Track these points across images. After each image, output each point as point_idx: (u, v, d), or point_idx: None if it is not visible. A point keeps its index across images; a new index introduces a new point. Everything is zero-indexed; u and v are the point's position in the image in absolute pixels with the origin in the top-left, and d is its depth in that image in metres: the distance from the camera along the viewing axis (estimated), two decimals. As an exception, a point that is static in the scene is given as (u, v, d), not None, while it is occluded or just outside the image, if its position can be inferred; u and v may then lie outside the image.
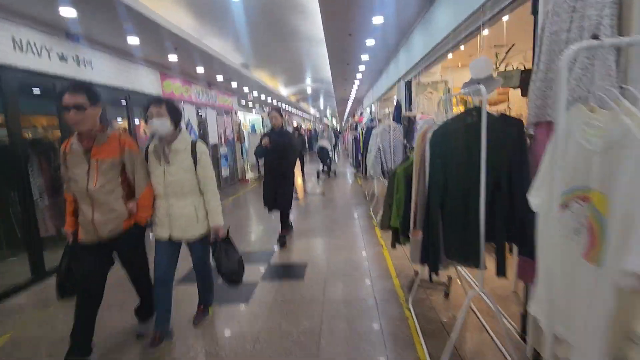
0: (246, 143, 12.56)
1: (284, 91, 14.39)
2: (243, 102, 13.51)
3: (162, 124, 2.41)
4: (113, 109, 5.91)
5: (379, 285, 3.46)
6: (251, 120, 15.79)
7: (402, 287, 3.40)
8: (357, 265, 3.99)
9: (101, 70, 5.11)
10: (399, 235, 3.30)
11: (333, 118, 42.25)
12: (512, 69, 6.04)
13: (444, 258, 2.13)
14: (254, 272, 3.97)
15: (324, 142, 10.88)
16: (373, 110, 11.51)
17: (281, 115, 4.62)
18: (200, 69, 7.34)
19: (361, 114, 20.20)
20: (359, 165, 12.12)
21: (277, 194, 4.63)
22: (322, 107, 28.55)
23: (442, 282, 3.33)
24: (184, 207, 2.49)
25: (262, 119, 16.44)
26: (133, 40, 4.97)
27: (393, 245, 3.35)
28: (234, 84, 9.74)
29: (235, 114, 11.75)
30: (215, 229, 2.58)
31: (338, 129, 22.23)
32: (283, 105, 17.72)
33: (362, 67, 8.36)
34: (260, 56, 8.82)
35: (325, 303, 3.16)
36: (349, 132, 23.88)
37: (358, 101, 19.08)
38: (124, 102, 5.79)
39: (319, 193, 8.70)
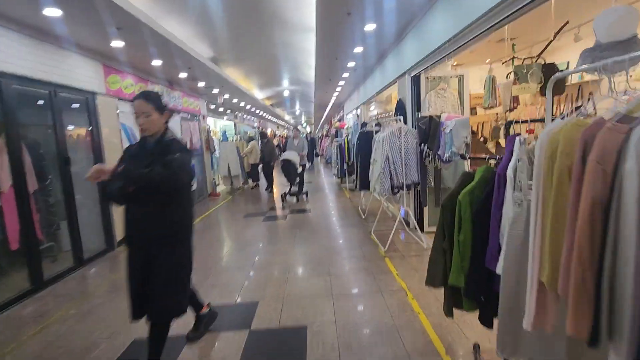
0: (217, 152, 11.13)
1: (258, 94, 13.07)
2: (213, 106, 12.08)
3: None
4: (29, 109, 4.43)
5: (426, 372, 2.25)
6: (222, 126, 14.35)
7: (466, 376, 2.21)
8: (380, 328, 2.76)
9: (8, 55, 3.66)
10: (461, 297, 2.13)
11: (308, 125, 41.17)
12: (530, 62, 5.13)
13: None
14: (231, 343, 2.66)
15: (291, 154, 8.30)
16: (358, 113, 10.43)
17: (159, 108, 2.17)
18: (157, 62, 5.94)
19: (340, 119, 19.18)
20: (344, 175, 11.00)
21: (151, 292, 2.14)
22: (297, 113, 27.36)
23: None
24: None
25: (235, 125, 15.02)
26: (51, 12, 3.55)
27: (449, 313, 2.16)
28: (202, 84, 8.35)
29: (204, 119, 10.32)
30: None
31: (311, 135, 20.69)
32: (258, 111, 16.37)
33: (351, 64, 7.25)
34: (233, 49, 7.50)
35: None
36: (326, 139, 22.76)
37: (337, 106, 18.04)
38: (46, 99, 4.33)
39: (301, 210, 7.44)
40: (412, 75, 5.18)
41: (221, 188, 11.49)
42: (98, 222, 5.23)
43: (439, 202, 4.38)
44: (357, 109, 10.91)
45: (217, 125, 14.40)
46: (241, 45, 7.21)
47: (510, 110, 4.24)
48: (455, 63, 5.87)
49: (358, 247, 4.79)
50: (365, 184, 6.40)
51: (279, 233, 5.84)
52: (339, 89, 10.99)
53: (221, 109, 13.29)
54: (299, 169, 8.41)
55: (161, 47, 5.23)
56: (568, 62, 4.92)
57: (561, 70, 5.06)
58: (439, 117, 3.70)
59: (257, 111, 16.75)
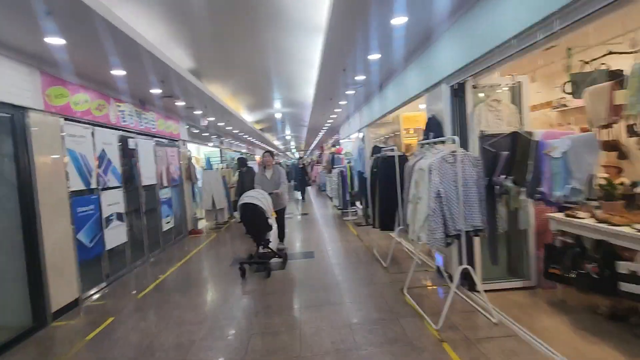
0: (199, 182, 9.71)
1: (247, 117, 11.84)
2: (196, 130, 10.76)
3: None
4: None
5: None
6: (206, 153, 12.98)
7: None
8: None
9: None
10: None
11: (297, 151, 40.13)
12: (591, 69, 4.11)
13: None
14: None
15: (256, 195, 5.02)
16: (361, 136, 9.24)
17: None
18: (118, 71, 4.62)
19: (334, 145, 18.09)
20: (346, 207, 9.66)
21: None
22: (288, 139, 26.21)
23: None
24: None
25: (221, 151, 13.67)
26: None
27: None
28: (181, 103, 7.04)
29: (184, 144, 8.96)
30: None
31: (303, 162, 18.70)
32: (246, 136, 15.10)
33: (360, 77, 6.09)
34: (218, 60, 6.26)
35: None
36: (318, 165, 21.42)
37: (331, 131, 16.97)
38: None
39: (304, 254, 5.98)
40: (451, 84, 3.99)
41: (204, 224, 9.98)
42: (22, 287, 3.71)
43: (514, 259, 3.06)
44: (359, 132, 9.75)
45: (201, 152, 13.03)
46: (228, 55, 5.98)
47: (607, 126, 3.03)
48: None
49: (394, 320, 3.38)
50: (387, 224, 5.09)
51: (277, 293, 4.39)
52: (338, 110, 9.85)
53: (206, 134, 11.97)
54: (271, 219, 5.01)
55: (122, 48, 3.92)
56: (622, 71, 3.87)
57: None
58: (530, 133, 2.45)
59: (246, 136, 15.50)
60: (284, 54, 6.15)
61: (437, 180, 3.06)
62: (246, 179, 7.82)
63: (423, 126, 5.20)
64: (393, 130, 8.43)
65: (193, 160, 9.66)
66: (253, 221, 4.99)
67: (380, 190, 5.08)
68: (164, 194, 7.36)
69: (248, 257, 5.31)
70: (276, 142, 27.05)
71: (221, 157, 13.59)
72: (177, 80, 5.52)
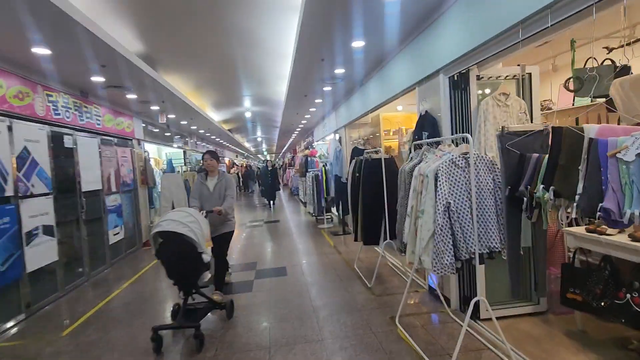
0: (158, 187, 8.68)
1: (213, 116, 10.89)
2: (156, 129, 9.71)
3: None
4: None
5: None
6: (169, 154, 11.87)
7: None
8: None
9: None
10: None
11: (268, 154, 39.08)
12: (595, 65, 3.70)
13: None
14: None
15: (180, 221, 3.15)
16: (337, 138, 8.59)
17: None
18: (40, 49, 3.68)
19: (307, 147, 17.38)
20: (322, 213, 8.97)
21: None
22: (259, 140, 25.22)
23: None
24: None
25: (185, 152, 12.59)
26: None
27: None
28: (132, 96, 6.08)
29: (139, 144, 7.93)
30: None
31: (272, 163, 17.29)
32: (214, 137, 14.08)
33: (340, 70, 5.42)
34: (175, 45, 5.38)
35: None
36: (290, 169, 20.60)
37: (304, 133, 16.28)
38: None
39: (276, 271, 5.20)
40: (451, 75, 3.40)
41: (163, 233, 8.91)
42: None
43: (540, 287, 2.47)
44: (335, 133, 9.09)
45: (163, 153, 11.91)
46: (186, 39, 5.12)
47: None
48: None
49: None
50: (372, 238, 4.44)
51: (241, 327, 3.61)
52: (313, 109, 9.15)
53: (168, 134, 10.91)
54: (207, 255, 3.19)
55: (41, 17, 3.03)
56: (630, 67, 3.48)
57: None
58: (580, 130, 1.85)
59: (213, 137, 14.47)
60: (253, 41, 5.37)
61: (445, 189, 2.41)
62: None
63: (409, 126, 4.61)
64: (371, 132, 7.87)
65: (151, 162, 8.63)
66: (176, 260, 3.15)
67: (363, 198, 4.41)
68: (112, 200, 6.35)
69: (172, 312, 3.63)
70: (247, 144, 26.01)
71: (185, 158, 12.51)
72: (124, 67, 4.61)
